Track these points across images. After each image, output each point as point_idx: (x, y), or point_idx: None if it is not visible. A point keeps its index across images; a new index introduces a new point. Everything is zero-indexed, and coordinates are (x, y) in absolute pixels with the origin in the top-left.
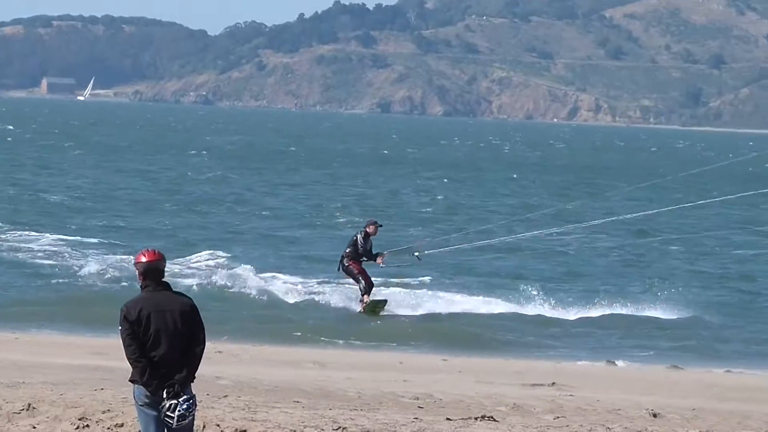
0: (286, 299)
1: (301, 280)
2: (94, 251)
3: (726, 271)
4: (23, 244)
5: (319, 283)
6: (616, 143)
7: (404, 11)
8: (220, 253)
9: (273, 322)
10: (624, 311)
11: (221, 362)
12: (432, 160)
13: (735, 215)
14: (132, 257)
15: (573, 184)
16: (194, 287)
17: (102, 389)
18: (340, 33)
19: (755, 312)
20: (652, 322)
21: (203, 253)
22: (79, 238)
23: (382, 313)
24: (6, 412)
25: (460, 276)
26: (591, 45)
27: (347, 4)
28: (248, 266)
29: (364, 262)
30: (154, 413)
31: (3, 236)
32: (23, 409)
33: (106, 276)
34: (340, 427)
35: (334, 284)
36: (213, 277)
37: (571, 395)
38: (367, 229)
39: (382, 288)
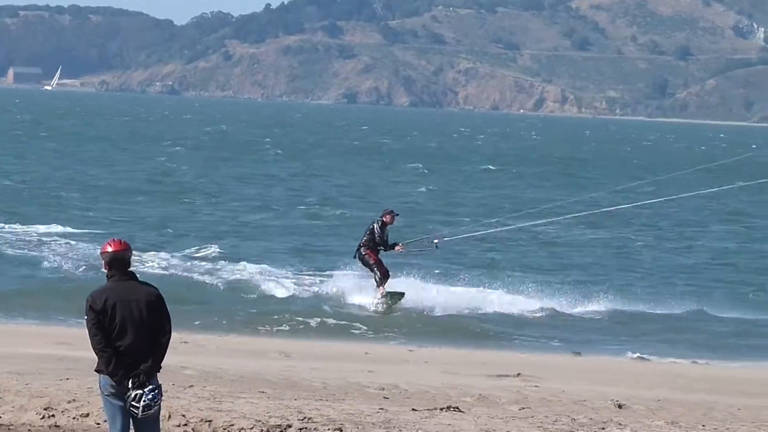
0: (264, 289)
1: (275, 269)
2: (64, 241)
3: (697, 263)
4: None
5: (297, 273)
6: (602, 134)
7: (371, 2)
8: (211, 245)
9: (240, 312)
10: (595, 304)
11: (187, 352)
12: (408, 150)
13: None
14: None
15: (561, 175)
16: (163, 275)
17: (68, 379)
18: (306, 23)
19: (723, 304)
20: (619, 314)
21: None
22: (49, 227)
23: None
24: None
25: (443, 265)
26: (557, 36)
27: None
28: (215, 246)
29: (381, 252)
30: (120, 403)
31: None
32: None
33: (72, 266)
34: (305, 417)
35: (312, 274)
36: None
37: (536, 386)
38: (384, 219)
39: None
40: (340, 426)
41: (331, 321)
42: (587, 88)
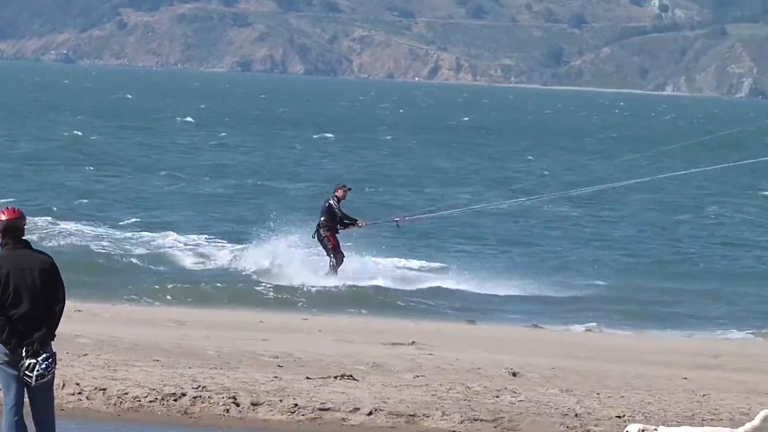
0: (171, 259)
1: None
2: None
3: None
4: None
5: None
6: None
7: None
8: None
9: (142, 281)
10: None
11: (81, 321)
12: (315, 121)
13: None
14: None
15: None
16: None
17: None
18: None
19: (625, 273)
20: (517, 285)
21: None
22: None
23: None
24: None
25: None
26: (452, 4)
27: None
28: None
29: (340, 231)
30: (14, 372)
31: None
32: None
33: None
34: (199, 386)
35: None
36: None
37: (431, 354)
38: (337, 194)
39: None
40: (234, 394)
41: (226, 289)
42: (482, 56)
